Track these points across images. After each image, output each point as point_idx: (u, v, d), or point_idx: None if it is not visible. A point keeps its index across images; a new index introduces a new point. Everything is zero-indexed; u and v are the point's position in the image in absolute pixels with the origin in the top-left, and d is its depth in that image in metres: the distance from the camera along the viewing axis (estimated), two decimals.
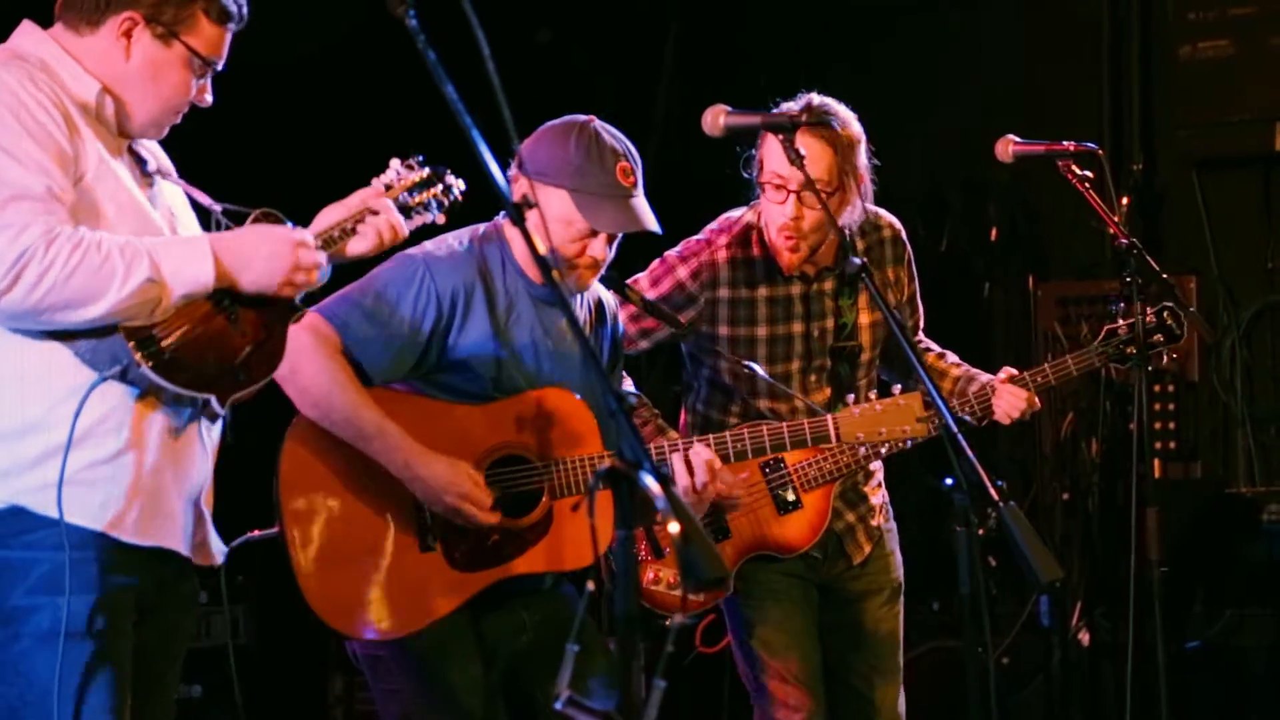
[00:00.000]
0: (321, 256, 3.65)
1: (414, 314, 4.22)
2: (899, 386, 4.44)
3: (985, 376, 4.89)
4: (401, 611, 4.21)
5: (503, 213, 4.32)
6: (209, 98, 3.71)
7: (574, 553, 4.29)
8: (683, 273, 4.88)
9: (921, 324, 5.15)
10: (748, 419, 4.81)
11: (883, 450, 4.78)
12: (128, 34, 3.60)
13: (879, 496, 5.05)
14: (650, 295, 4.83)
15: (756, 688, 4.92)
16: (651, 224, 4.30)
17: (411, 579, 4.20)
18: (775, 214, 4.77)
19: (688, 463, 4.36)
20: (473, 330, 4.27)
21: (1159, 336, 4.77)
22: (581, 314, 4.46)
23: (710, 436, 4.44)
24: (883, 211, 5.01)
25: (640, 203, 4.30)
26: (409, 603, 4.20)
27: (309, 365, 4.14)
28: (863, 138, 4.78)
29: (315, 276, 3.66)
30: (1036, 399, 4.80)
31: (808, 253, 4.81)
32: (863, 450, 4.75)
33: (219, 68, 3.71)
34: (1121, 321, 4.77)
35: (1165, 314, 4.74)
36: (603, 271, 4.38)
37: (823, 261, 4.91)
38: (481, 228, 4.38)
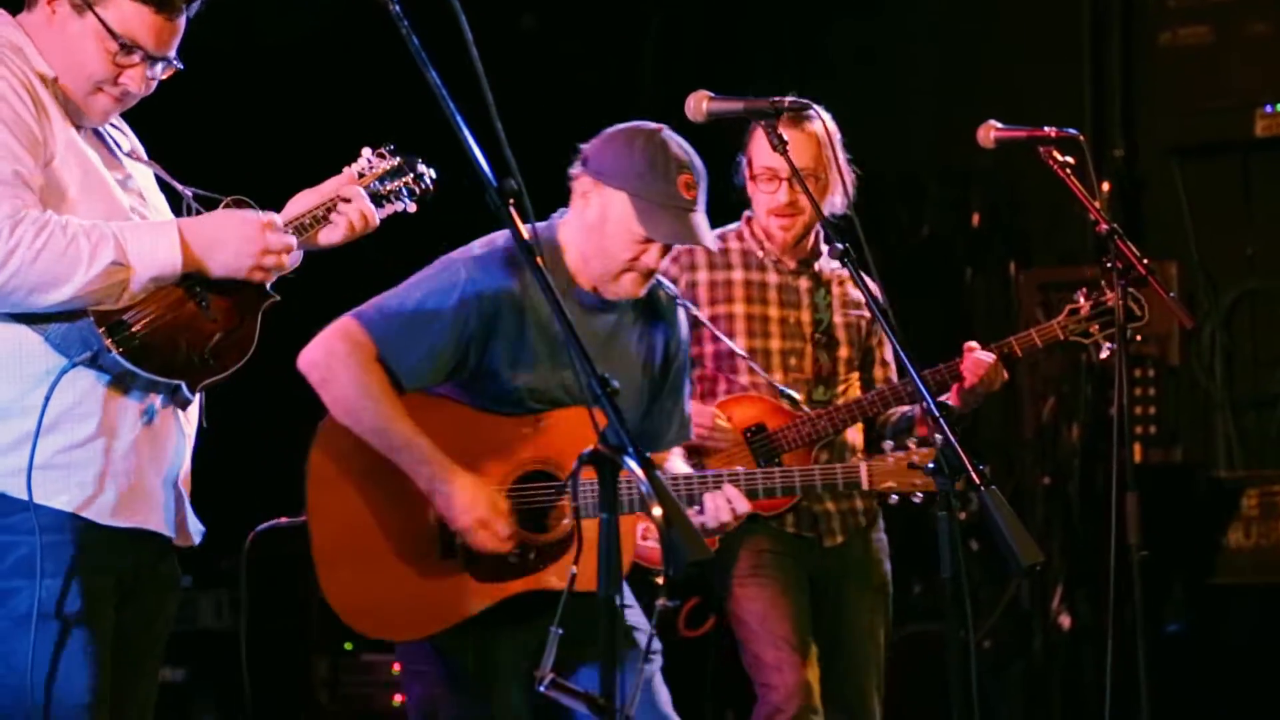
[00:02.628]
0: (291, 239, 3.65)
1: (452, 322, 4.16)
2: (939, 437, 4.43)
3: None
4: (414, 617, 4.19)
5: (560, 212, 4.30)
6: (134, 86, 3.61)
7: (594, 572, 4.25)
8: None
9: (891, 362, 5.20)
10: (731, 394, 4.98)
11: (916, 498, 4.69)
12: (51, 2, 3.59)
13: (873, 505, 5.14)
14: None
15: (751, 659, 4.97)
16: (708, 239, 4.24)
17: (428, 584, 4.17)
18: (767, 200, 5.03)
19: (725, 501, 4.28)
20: (512, 339, 4.21)
21: (1121, 318, 4.82)
22: (621, 316, 4.34)
23: (741, 474, 4.34)
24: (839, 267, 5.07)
25: (699, 218, 4.21)
26: (422, 608, 4.18)
27: (342, 374, 4.12)
28: (838, 134, 4.93)
29: (286, 260, 3.64)
30: (1004, 370, 4.92)
31: (801, 230, 5.04)
32: (834, 420, 4.84)
33: (164, 56, 3.62)
34: (1083, 300, 4.93)
35: (1127, 297, 4.77)
36: (651, 282, 4.28)
37: (801, 254, 5.10)
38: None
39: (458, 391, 4.26)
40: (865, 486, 4.41)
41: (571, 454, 4.19)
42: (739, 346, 4.97)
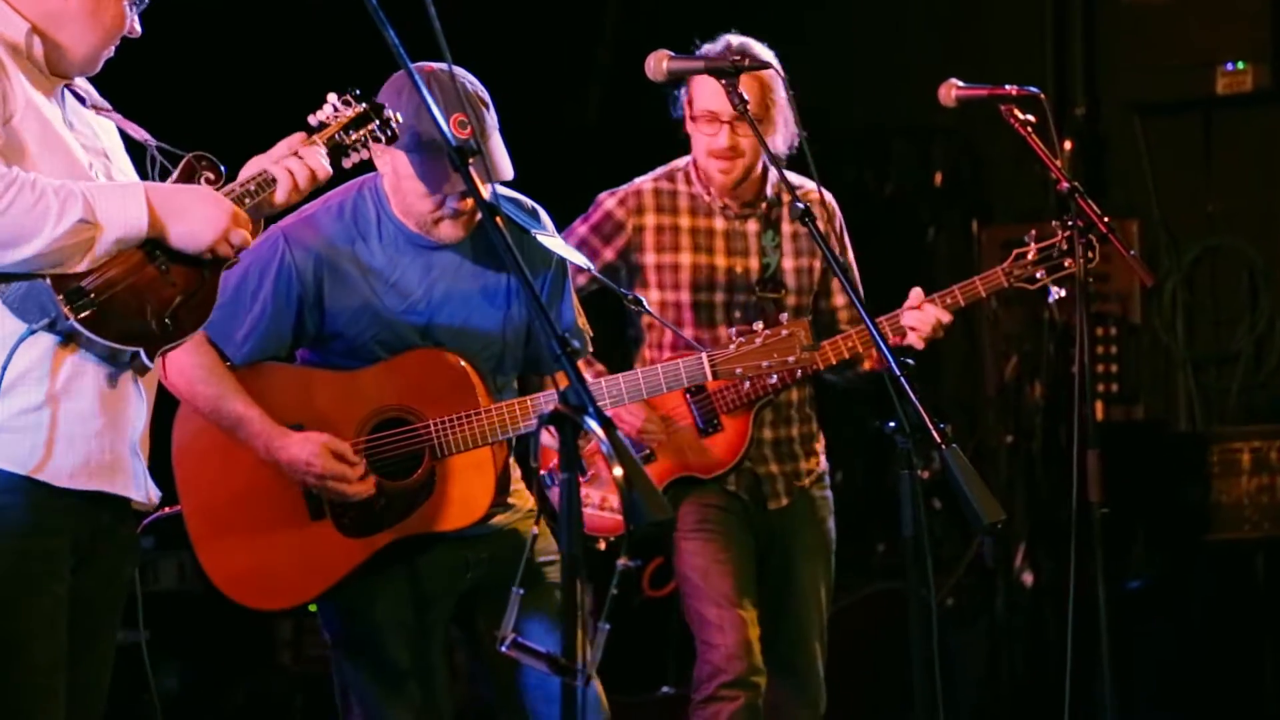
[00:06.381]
0: (249, 236, 3.61)
1: (277, 293, 4.20)
2: (785, 315, 4.38)
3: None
4: (295, 582, 4.25)
5: None
6: (138, 28, 3.66)
7: (458, 512, 4.25)
8: (610, 203, 5.01)
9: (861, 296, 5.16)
10: (679, 351, 4.88)
11: (771, 379, 4.74)
12: None
13: (818, 464, 5.10)
14: (582, 229, 4.97)
15: (694, 615, 4.96)
16: (501, 172, 4.15)
17: (304, 548, 4.22)
18: (707, 143, 4.92)
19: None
20: (347, 295, 4.22)
21: (1068, 262, 4.76)
22: (464, 251, 4.30)
23: (604, 384, 4.37)
24: (810, 183, 4.94)
25: (488, 151, 4.10)
26: (302, 572, 4.23)
27: (172, 363, 4.14)
28: (783, 75, 4.81)
29: (243, 249, 3.64)
30: (945, 313, 4.78)
31: (741, 174, 4.93)
32: (773, 379, 4.76)
33: None
34: (1031, 245, 4.78)
35: (1086, 249, 4.73)
36: (477, 218, 4.21)
37: (744, 197, 5.00)
38: (359, 182, 4.30)
39: (309, 354, 4.31)
40: (709, 379, 4.39)
41: (420, 396, 4.23)
42: (684, 299, 4.94)
